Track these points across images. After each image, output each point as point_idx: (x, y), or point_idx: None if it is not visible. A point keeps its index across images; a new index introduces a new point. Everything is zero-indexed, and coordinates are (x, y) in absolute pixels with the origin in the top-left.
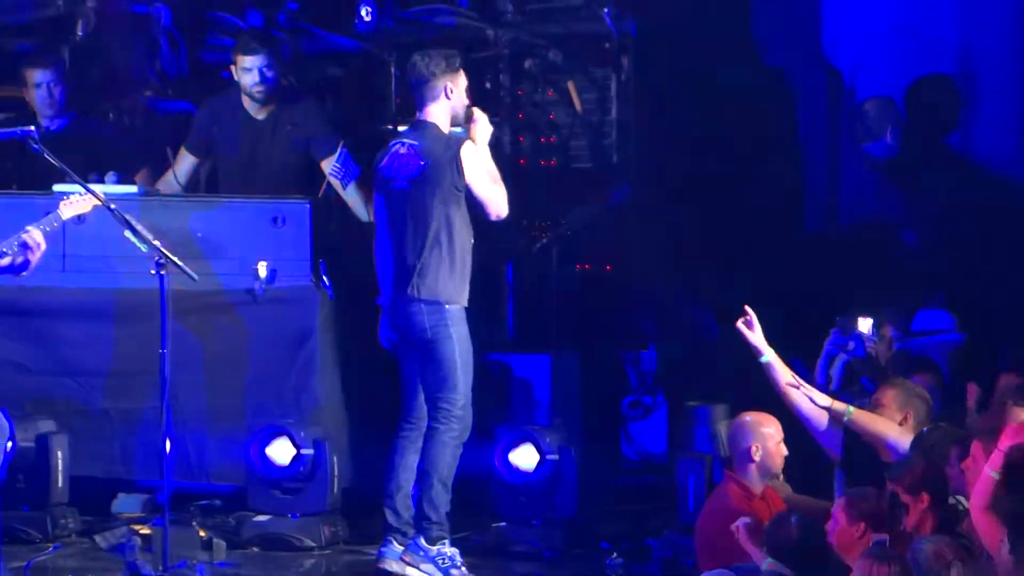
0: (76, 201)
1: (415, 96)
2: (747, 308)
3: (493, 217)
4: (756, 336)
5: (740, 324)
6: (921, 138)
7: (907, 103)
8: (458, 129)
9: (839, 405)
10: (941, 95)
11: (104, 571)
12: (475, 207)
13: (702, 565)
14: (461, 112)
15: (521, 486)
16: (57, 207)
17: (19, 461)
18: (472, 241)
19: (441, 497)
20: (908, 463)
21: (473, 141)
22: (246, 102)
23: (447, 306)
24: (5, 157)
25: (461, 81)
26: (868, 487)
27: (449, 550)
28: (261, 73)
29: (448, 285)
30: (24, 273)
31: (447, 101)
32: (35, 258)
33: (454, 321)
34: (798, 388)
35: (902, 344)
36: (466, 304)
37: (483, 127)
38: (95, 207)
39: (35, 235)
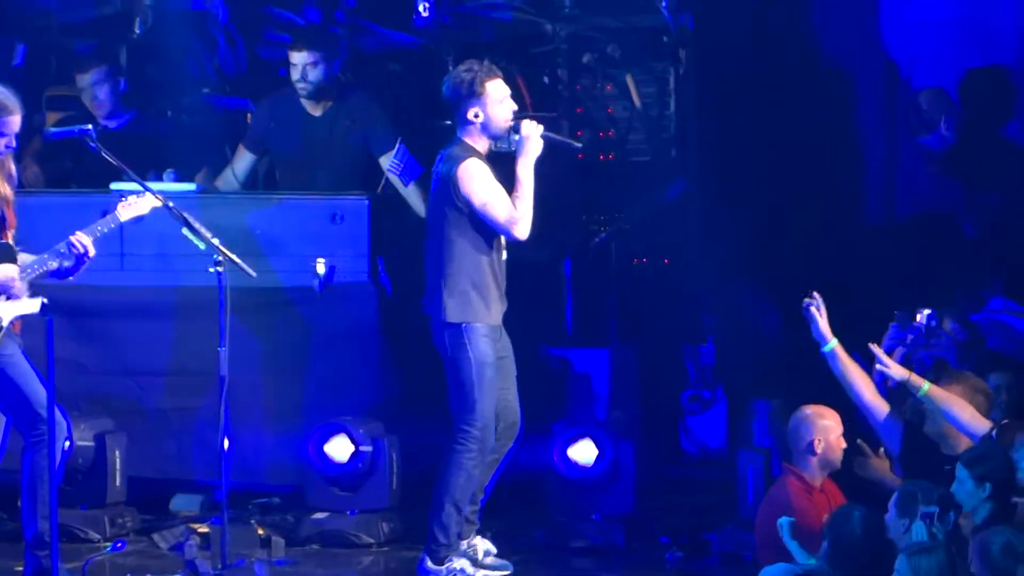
0: (134, 203)
1: None
2: (815, 294)
3: (511, 239)
4: (822, 322)
5: (810, 308)
6: (976, 129)
7: (962, 94)
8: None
9: (916, 379)
10: (996, 85)
11: (163, 570)
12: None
13: (762, 559)
14: (502, 125)
15: (580, 481)
16: (115, 206)
17: (77, 460)
18: (495, 256)
19: (452, 519)
20: (983, 449)
21: (523, 155)
22: (302, 98)
23: (464, 325)
24: (64, 156)
25: (492, 97)
26: (925, 481)
27: (458, 563)
28: (304, 70)
29: (463, 305)
30: (70, 278)
31: (476, 121)
32: (84, 262)
33: (472, 341)
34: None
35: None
36: (493, 322)
37: (531, 143)
38: (153, 207)
39: (84, 240)
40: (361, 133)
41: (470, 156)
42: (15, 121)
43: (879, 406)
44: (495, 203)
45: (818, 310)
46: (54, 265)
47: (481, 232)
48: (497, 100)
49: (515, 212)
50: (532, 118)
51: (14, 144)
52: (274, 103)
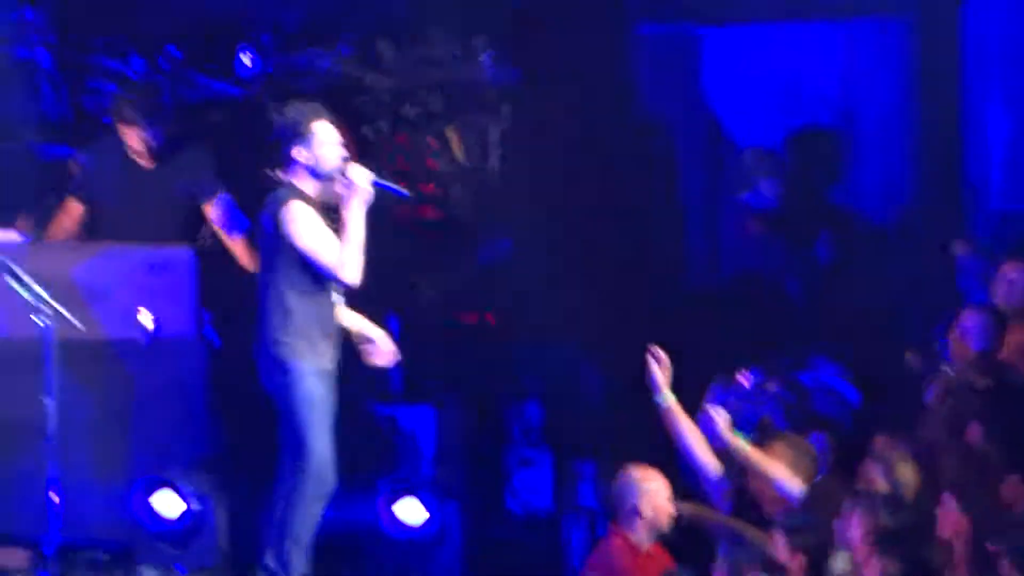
0: None
1: None
2: (654, 347)
3: (341, 283)
4: (660, 373)
5: (649, 357)
6: (801, 188)
7: (787, 153)
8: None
9: (737, 441)
10: (821, 145)
11: None
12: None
13: None
14: (329, 168)
15: (407, 541)
16: None
17: None
18: (323, 299)
19: (293, 555)
20: (794, 518)
21: (350, 199)
22: (131, 151)
23: (291, 364)
24: None
25: (319, 138)
26: (751, 544)
27: None
28: (144, 141)
29: (291, 346)
30: None
31: (302, 161)
32: None
33: (301, 381)
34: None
35: (795, 395)
36: (323, 365)
37: (359, 188)
38: None
39: None
40: (186, 181)
41: (295, 198)
42: None
43: (711, 464)
44: (319, 247)
45: (658, 361)
46: None
47: (307, 275)
48: (324, 142)
49: (341, 256)
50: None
51: None
52: (100, 151)
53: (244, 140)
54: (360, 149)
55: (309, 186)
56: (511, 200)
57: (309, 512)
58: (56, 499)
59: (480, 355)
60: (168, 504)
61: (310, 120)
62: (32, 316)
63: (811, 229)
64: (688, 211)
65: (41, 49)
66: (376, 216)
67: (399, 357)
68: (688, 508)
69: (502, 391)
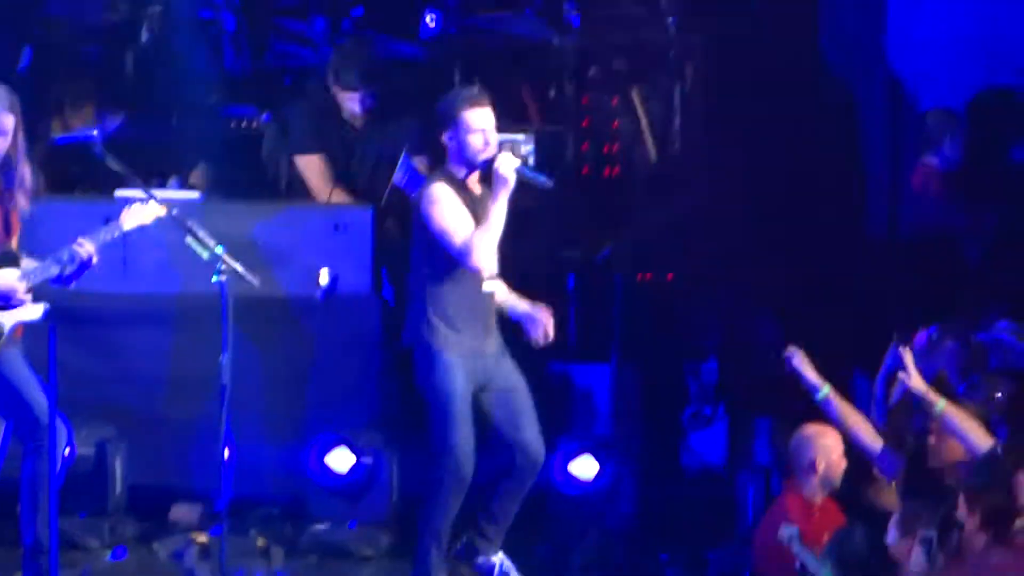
0: (138, 211)
1: None
2: (791, 347)
3: (469, 268)
4: (809, 371)
5: (792, 361)
6: (983, 150)
7: (969, 114)
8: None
9: (932, 395)
10: (1005, 106)
11: None
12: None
13: None
14: (472, 155)
15: (580, 497)
16: (119, 214)
17: (77, 467)
18: (466, 283)
19: (431, 556)
20: (977, 476)
21: (494, 188)
22: (344, 111)
23: (431, 351)
24: (69, 162)
25: (466, 125)
26: (925, 502)
27: None
28: (359, 102)
29: (430, 332)
30: (72, 284)
31: (449, 145)
32: (88, 267)
33: (437, 369)
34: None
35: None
36: (464, 352)
37: (499, 176)
38: (156, 217)
39: (88, 247)
40: (392, 141)
41: (439, 180)
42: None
43: (875, 445)
44: (449, 229)
45: (800, 362)
46: (56, 271)
47: (447, 258)
48: (470, 129)
49: (470, 241)
50: (511, 150)
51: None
52: (309, 112)
53: (424, 101)
54: (545, 110)
55: (458, 169)
56: (693, 160)
57: (447, 508)
58: (229, 455)
59: (657, 313)
60: (341, 460)
61: (461, 107)
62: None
63: (993, 190)
64: (869, 171)
65: (225, 11)
66: (558, 175)
67: (551, 331)
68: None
69: (678, 349)
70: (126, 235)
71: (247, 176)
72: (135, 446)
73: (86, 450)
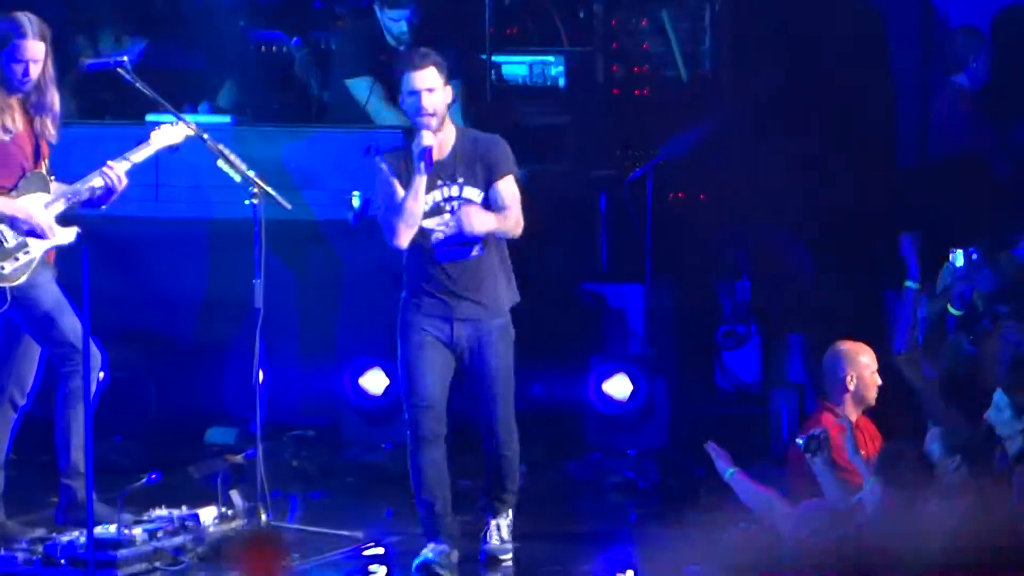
0: (167, 131)
1: None
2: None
3: None
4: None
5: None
6: (1010, 68)
7: (995, 32)
8: None
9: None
10: None
11: (198, 502)
12: None
13: (795, 495)
14: (415, 120)
15: (615, 416)
16: (148, 136)
17: (112, 391)
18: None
19: (422, 516)
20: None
21: None
22: (387, 34)
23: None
24: (100, 87)
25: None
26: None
27: (426, 551)
28: (409, 22)
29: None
30: (103, 207)
31: None
32: (117, 190)
33: (402, 312)
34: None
35: None
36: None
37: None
38: (187, 137)
39: (116, 170)
40: None
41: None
42: (32, 46)
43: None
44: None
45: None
46: (86, 195)
47: None
48: (405, 87)
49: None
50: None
51: (32, 73)
52: (351, 35)
53: (454, 20)
54: (574, 31)
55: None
56: (723, 81)
57: (418, 469)
58: (262, 377)
59: (690, 233)
60: (375, 382)
61: (402, 69)
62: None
63: (1020, 107)
64: (900, 91)
65: None
66: (588, 96)
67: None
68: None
69: (711, 268)
70: (158, 159)
71: (278, 100)
72: (169, 370)
73: (120, 374)
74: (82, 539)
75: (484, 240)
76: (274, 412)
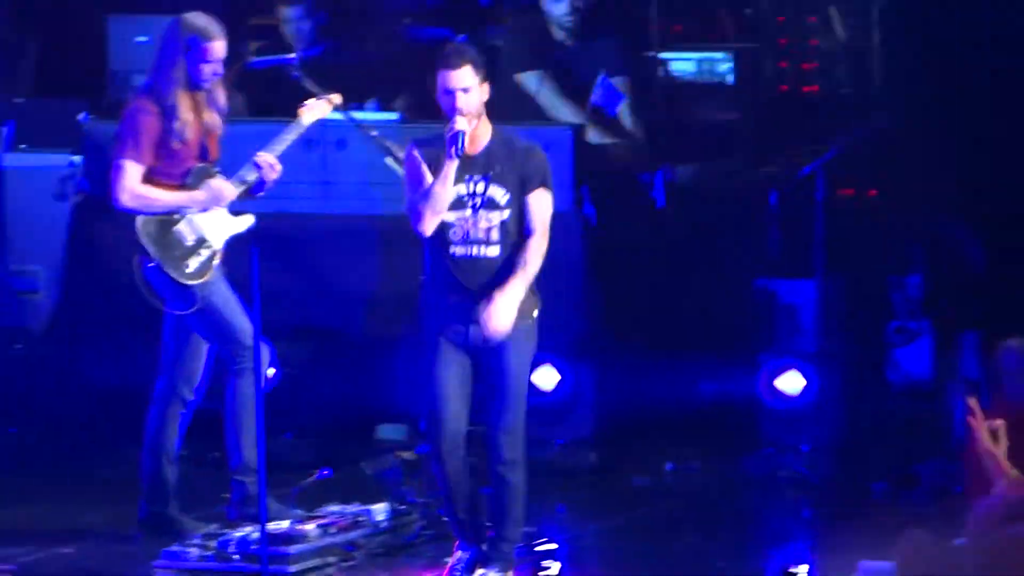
0: (315, 107)
1: None
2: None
3: None
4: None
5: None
6: None
7: None
8: None
9: None
10: None
11: (369, 498)
12: None
13: (972, 492)
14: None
15: (787, 412)
16: (315, 134)
17: (282, 388)
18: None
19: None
20: None
21: None
22: (553, 29)
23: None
24: (264, 85)
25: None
26: None
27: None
28: (571, 5)
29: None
30: (260, 194)
31: None
32: (270, 177)
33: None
34: None
35: None
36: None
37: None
38: (354, 130)
39: (267, 157)
40: (599, 57)
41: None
42: (219, 47)
43: None
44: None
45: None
46: (242, 187)
47: None
48: (441, 89)
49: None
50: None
51: (220, 71)
52: (520, 31)
53: (621, 18)
54: (742, 28)
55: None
56: (892, 76)
57: (438, 477)
58: None
59: (860, 228)
60: (546, 378)
61: (437, 67)
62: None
63: None
64: None
65: None
66: (756, 92)
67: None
68: None
69: (882, 264)
70: (326, 156)
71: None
72: (339, 366)
73: (289, 370)
74: (255, 535)
75: (504, 240)
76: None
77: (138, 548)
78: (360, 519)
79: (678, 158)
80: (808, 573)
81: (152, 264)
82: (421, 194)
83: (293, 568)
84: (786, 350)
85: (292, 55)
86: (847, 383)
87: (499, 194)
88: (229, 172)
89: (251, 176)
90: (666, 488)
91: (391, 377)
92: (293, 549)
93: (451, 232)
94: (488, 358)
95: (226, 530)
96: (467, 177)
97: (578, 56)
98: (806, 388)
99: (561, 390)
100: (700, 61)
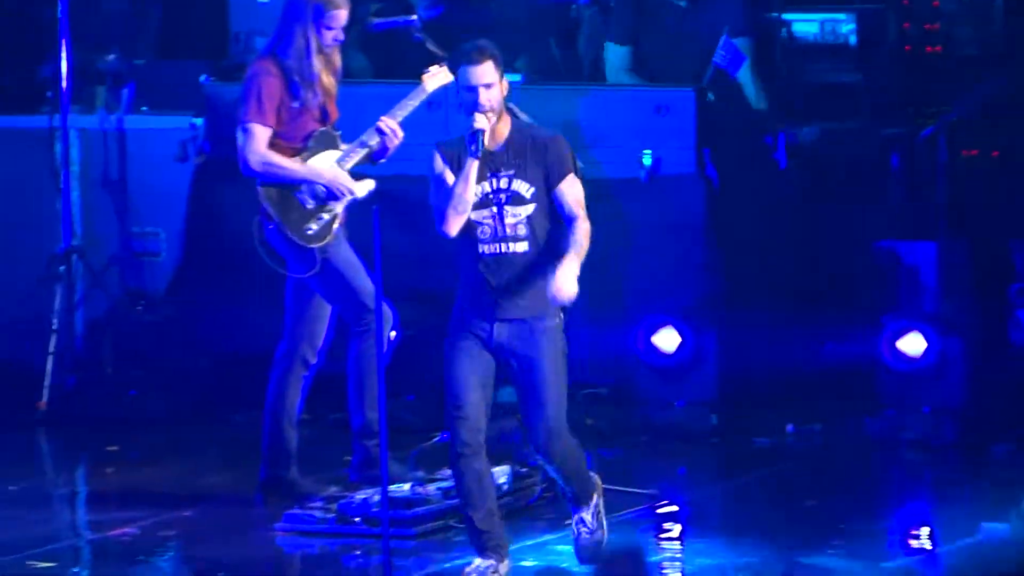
0: (438, 74)
1: None
2: None
3: None
4: None
5: None
6: None
7: None
8: None
9: None
10: None
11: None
12: None
13: None
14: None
15: (909, 373)
16: (437, 97)
17: (404, 350)
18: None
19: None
20: None
21: None
22: None
23: None
24: (386, 46)
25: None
26: None
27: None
28: None
29: None
30: (382, 160)
31: None
32: (392, 144)
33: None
34: None
35: None
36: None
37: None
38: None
39: (388, 122)
40: (718, 19)
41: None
42: (343, 15)
43: None
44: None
45: None
46: (367, 151)
47: None
48: (462, 86)
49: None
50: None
51: (342, 37)
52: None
53: None
54: None
55: None
56: (1015, 37)
57: (454, 478)
58: None
59: (983, 190)
60: (668, 340)
61: (458, 63)
62: None
63: None
64: None
65: None
66: (879, 53)
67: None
68: None
69: (1005, 225)
70: (447, 119)
71: (566, 59)
72: None
73: (412, 332)
74: (376, 497)
75: (532, 235)
76: (567, 371)
77: (259, 511)
78: None
79: (800, 120)
80: (929, 535)
81: (272, 226)
82: (444, 195)
83: (414, 530)
84: (908, 312)
85: (413, 16)
86: (969, 345)
87: (523, 188)
88: (350, 136)
89: (373, 141)
90: (787, 450)
91: None
92: (414, 512)
93: (479, 231)
94: (517, 359)
95: (347, 493)
96: (488, 174)
97: (697, 17)
98: (928, 350)
99: (682, 352)
100: (823, 22)
